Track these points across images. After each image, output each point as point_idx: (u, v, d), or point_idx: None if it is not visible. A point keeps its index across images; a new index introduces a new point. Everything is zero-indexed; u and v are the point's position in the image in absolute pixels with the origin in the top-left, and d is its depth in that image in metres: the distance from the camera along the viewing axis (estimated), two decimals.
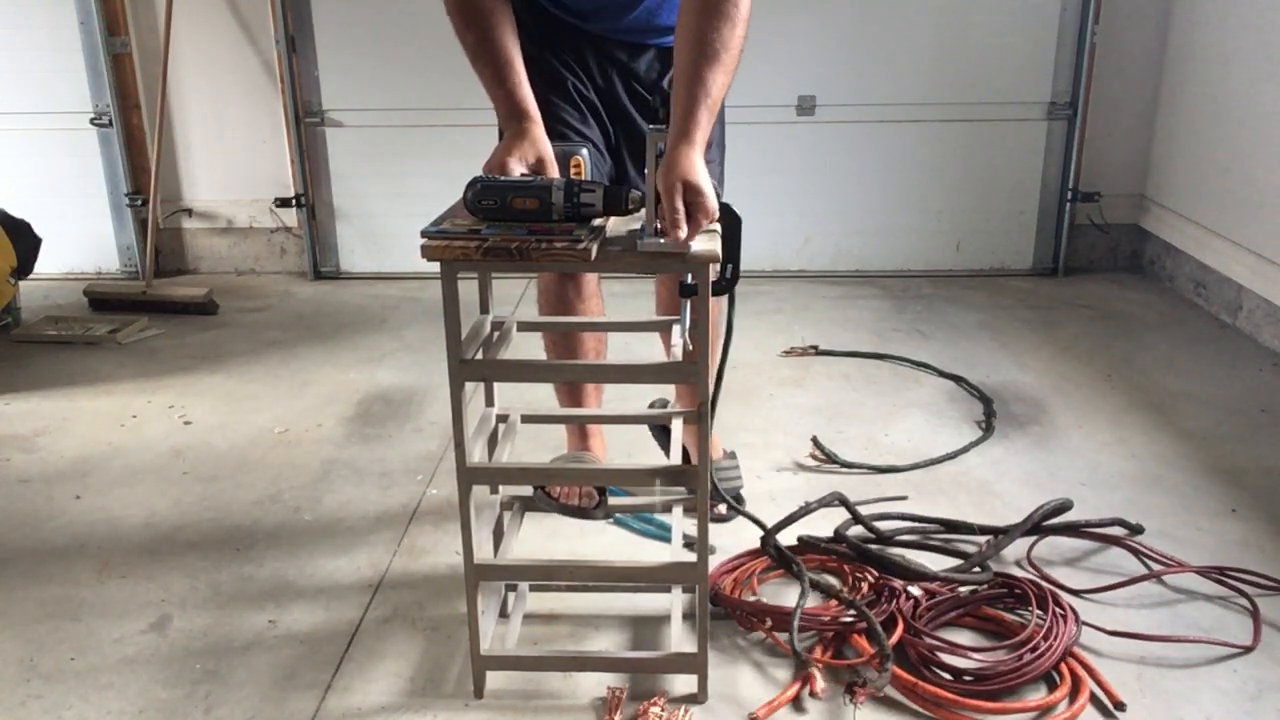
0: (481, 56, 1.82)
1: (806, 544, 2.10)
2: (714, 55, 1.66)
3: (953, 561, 2.08)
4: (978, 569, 2.03)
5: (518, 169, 1.69)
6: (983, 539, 2.17)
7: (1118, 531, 2.21)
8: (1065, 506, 2.24)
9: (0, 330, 3.52)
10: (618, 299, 2.37)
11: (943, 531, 2.22)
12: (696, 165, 1.59)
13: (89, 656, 1.88)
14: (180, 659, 1.87)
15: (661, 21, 2.00)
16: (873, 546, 2.09)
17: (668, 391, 2.53)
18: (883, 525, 2.21)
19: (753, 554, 2.10)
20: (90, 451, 2.69)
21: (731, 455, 2.43)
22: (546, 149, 1.74)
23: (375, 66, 3.97)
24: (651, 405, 2.52)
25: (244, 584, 2.10)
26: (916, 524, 2.23)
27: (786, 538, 2.10)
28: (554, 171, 1.73)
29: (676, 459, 1.97)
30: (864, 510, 2.23)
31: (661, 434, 2.44)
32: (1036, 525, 2.19)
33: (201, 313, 3.73)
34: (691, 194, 1.55)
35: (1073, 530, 2.21)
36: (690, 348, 1.69)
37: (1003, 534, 2.15)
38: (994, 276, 4.09)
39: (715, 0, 1.66)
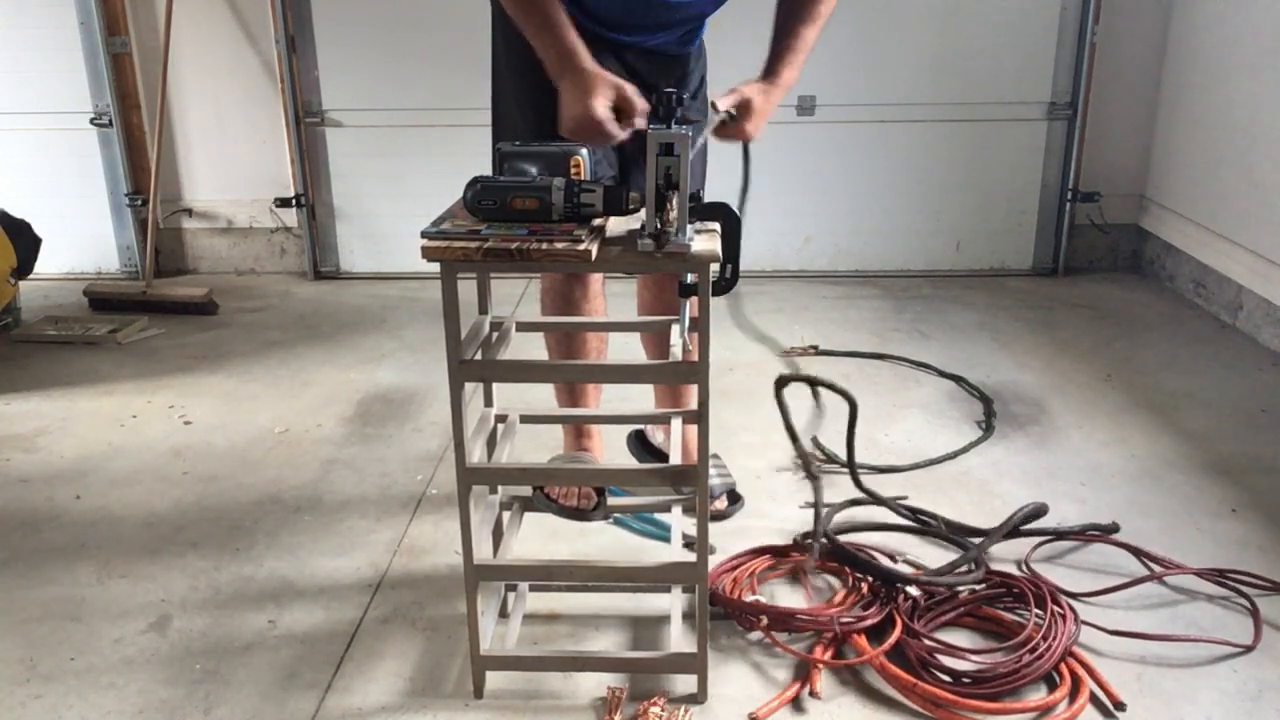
0: (527, 6, 1.78)
1: (801, 544, 2.10)
2: (818, 21, 1.94)
3: (945, 558, 2.09)
4: (968, 567, 2.03)
5: (607, 113, 1.68)
6: (964, 537, 2.18)
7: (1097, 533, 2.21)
8: (1041, 511, 2.24)
9: (0, 330, 3.52)
10: (618, 299, 2.37)
11: (912, 518, 2.24)
12: (771, 100, 1.88)
13: (89, 656, 1.88)
14: (180, 659, 1.87)
15: (682, 31, 2.02)
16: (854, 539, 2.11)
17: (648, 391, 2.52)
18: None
19: (753, 553, 2.10)
20: (90, 451, 2.69)
21: (715, 456, 2.42)
22: (620, 82, 1.72)
23: (375, 66, 3.96)
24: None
25: (244, 584, 2.10)
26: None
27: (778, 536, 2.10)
28: (639, 103, 1.70)
29: (676, 459, 1.97)
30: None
31: (640, 448, 2.45)
32: (1014, 530, 2.19)
33: (201, 313, 3.73)
34: (750, 113, 1.85)
35: (1050, 536, 2.19)
36: (690, 347, 1.69)
37: (984, 536, 2.16)
38: (994, 276, 4.09)
39: None
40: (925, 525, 2.23)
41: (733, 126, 1.88)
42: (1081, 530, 2.21)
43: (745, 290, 3.62)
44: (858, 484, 2.28)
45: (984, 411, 2.84)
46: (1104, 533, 2.20)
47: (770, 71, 1.92)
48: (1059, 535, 2.19)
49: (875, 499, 2.27)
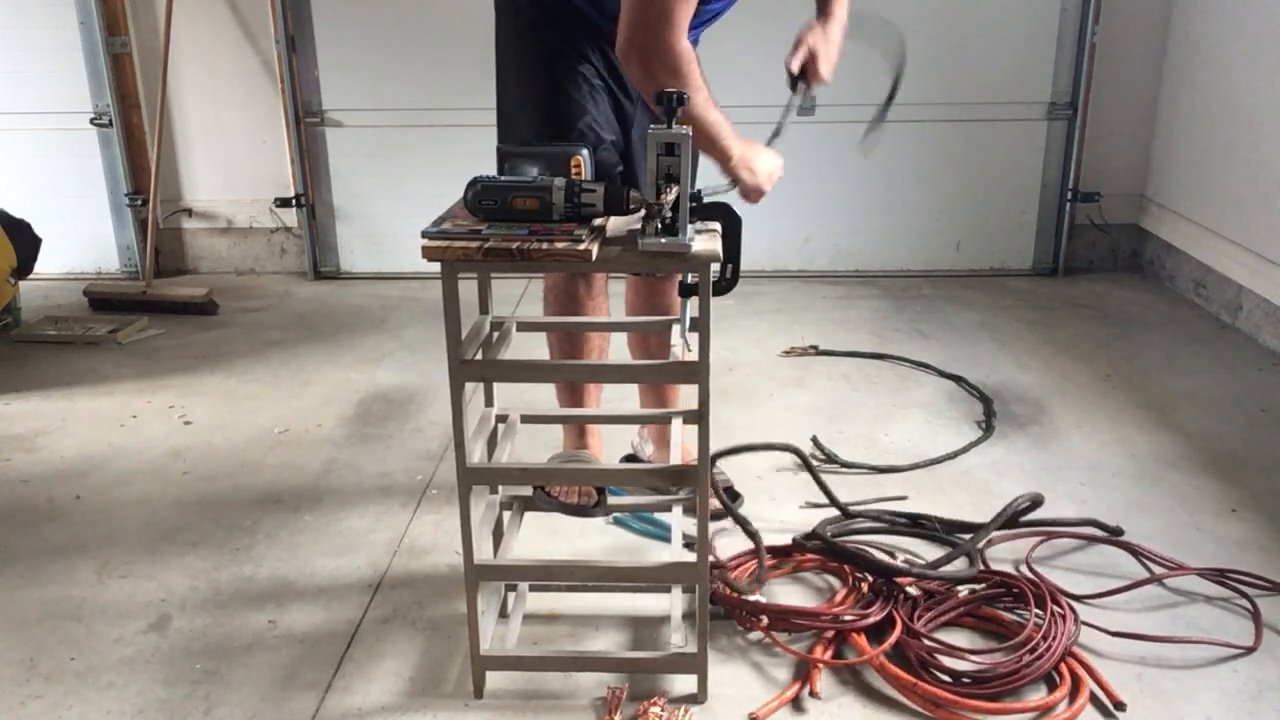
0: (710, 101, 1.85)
1: (798, 545, 2.10)
2: None
3: (935, 553, 2.10)
4: (964, 558, 2.05)
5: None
6: (964, 535, 2.18)
7: (1097, 531, 2.21)
8: (1038, 501, 2.25)
9: (0, 330, 3.52)
10: (619, 299, 2.37)
11: (908, 525, 2.24)
12: (829, 38, 2.02)
13: (89, 656, 1.88)
14: (180, 659, 1.87)
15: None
16: (852, 540, 2.12)
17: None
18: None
19: (753, 553, 2.10)
20: (90, 451, 2.69)
21: None
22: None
23: (375, 66, 3.96)
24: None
25: (244, 584, 2.10)
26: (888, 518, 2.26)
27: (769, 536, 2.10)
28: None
29: (676, 459, 1.97)
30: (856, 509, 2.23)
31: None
32: (1011, 521, 2.20)
33: (201, 313, 3.73)
34: (817, 60, 2.01)
35: (1046, 528, 2.20)
36: (690, 347, 1.69)
37: (978, 530, 2.16)
38: (994, 276, 4.09)
39: None
40: (921, 525, 2.24)
41: (804, 83, 2.03)
42: (1081, 522, 2.22)
43: (745, 290, 3.62)
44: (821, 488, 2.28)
45: (984, 411, 2.84)
46: (1107, 533, 2.20)
47: (824, 11, 2.05)
48: (1053, 529, 2.19)
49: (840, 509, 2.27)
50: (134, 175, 4.10)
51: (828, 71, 2.05)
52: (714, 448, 2.38)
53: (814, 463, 2.32)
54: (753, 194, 1.89)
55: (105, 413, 2.92)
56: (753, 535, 2.01)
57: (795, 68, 2.02)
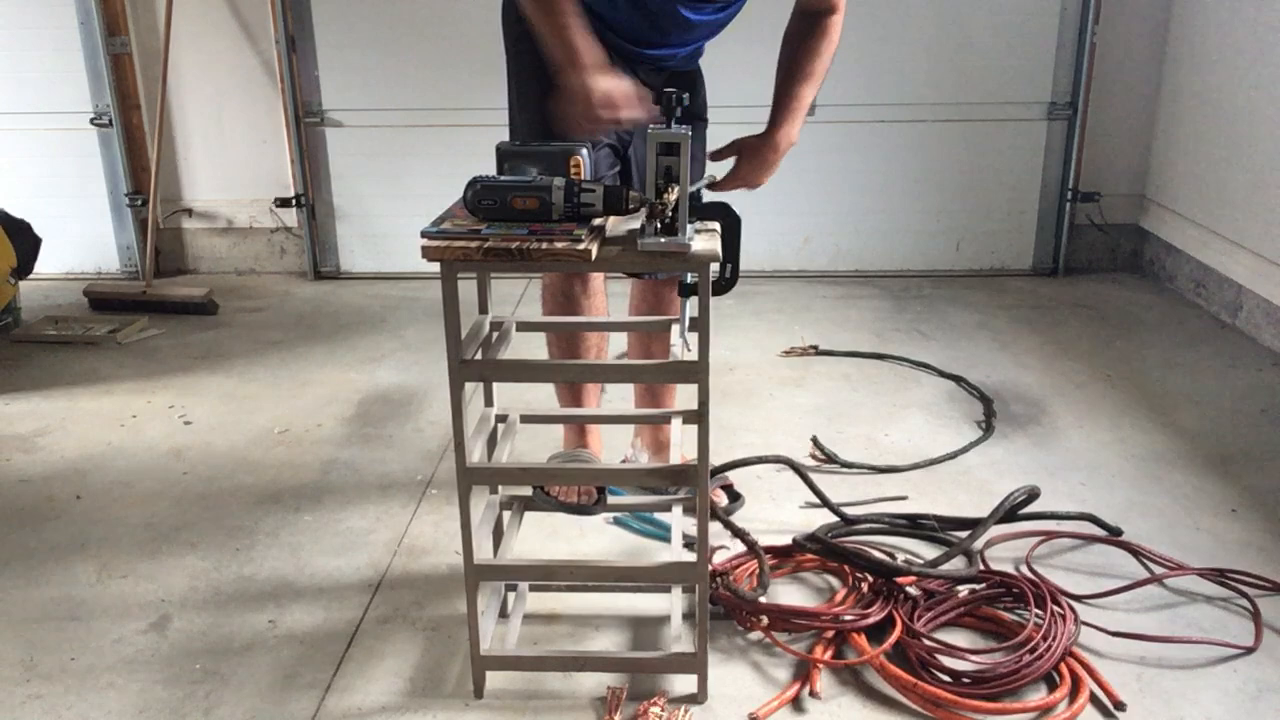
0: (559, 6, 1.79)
1: (799, 545, 2.10)
2: (814, 79, 2.02)
3: (935, 553, 2.09)
4: (963, 556, 2.05)
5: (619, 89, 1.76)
6: (963, 534, 2.18)
7: (1097, 531, 2.22)
8: (1034, 494, 2.26)
9: (0, 330, 3.52)
10: (617, 299, 2.37)
11: (908, 527, 2.23)
12: (762, 150, 2.00)
13: (89, 656, 1.88)
14: (180, 659, 1.87)
15: (695, 47, 2.06)
16: (851, 541, 2.12)
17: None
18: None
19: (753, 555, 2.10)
20: (90, 451, 2.69)
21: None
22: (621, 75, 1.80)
23: (375, 66, 3.96)
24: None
25: (244, 584, 2.10)
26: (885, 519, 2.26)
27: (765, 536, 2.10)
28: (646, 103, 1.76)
29: (677, 459, 1.97)
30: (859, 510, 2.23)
31: None
32: (1009, 515, 2.21)
33: (201, 313, 3.73)
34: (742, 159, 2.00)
35: (1046, 529, 2.20)
36: (690, 348, 1.69)
37: (976, 525, 2.17)
38: (994, 276, 4.09)
39: (821, 38, 1.99)
40: (920, 525, 2.23)
41: (730, 180, 1.98)
42: (1078, 516, 2.23)
43: (744, 290, 3.63)
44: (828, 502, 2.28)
45: (984, 411, 2.84)
46: (1106, 530, 2.20)
47: (776, 121, 2.04)
48: (1053, 531, 2.19)
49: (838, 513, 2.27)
50: (134, 175, 4.10)
51: (754, 176, 2.01)
52: (712, 451, 2.38)
53: (808, 472, 2.30)
54: (575, 120, 1.76)
55: (105, 413, 2.92)
56: (751, 546, 2.00)
57: (715, 159, 1.98)
